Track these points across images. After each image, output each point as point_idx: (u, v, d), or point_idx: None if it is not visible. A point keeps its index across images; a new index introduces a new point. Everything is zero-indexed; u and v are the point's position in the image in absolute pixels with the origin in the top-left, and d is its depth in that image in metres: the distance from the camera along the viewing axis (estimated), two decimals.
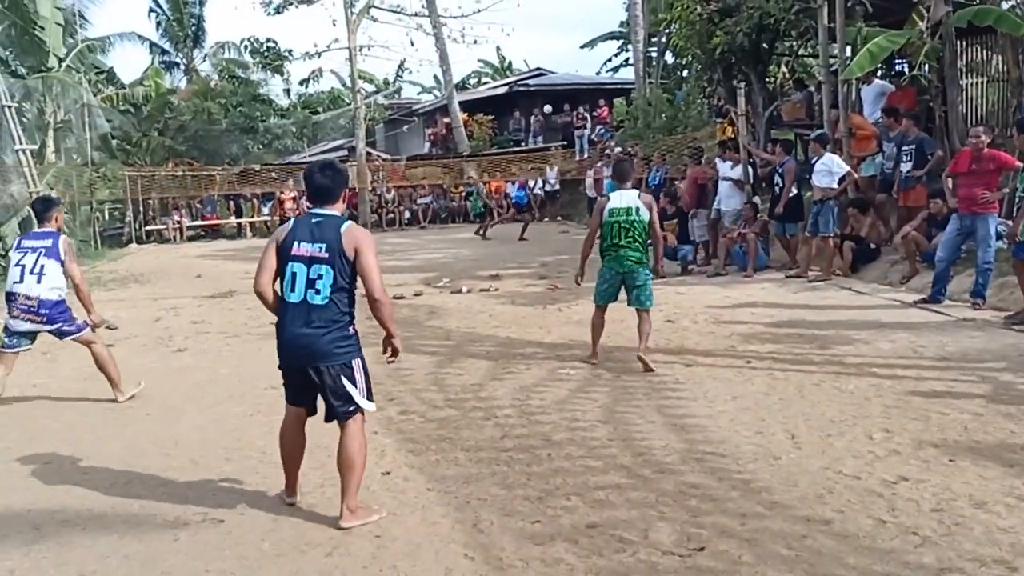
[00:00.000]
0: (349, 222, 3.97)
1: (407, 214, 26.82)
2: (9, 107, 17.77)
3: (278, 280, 4.01)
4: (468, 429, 5.41)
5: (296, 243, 3.89)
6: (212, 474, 4.76)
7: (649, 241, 6.91)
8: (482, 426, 5.45)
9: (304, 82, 35.78)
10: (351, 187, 27.41)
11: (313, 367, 3.89)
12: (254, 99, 33.66)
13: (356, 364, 3.95)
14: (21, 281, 6.16)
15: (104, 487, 4.66)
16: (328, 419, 4.06)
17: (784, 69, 17.85)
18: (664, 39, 22.89)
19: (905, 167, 10.50)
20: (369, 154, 29.39)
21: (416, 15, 28.57)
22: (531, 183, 25.36)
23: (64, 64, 23.93)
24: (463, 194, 27.65)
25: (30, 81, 21.94)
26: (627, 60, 32.97)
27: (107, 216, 28.56)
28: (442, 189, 27.65)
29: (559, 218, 23.35)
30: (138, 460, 5.06)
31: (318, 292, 3.84)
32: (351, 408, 3.96)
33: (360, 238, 3.90)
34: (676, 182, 14.22)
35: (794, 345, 7.26)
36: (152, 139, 31.25)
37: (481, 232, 20.50)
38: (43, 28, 22.24)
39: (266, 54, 31.97)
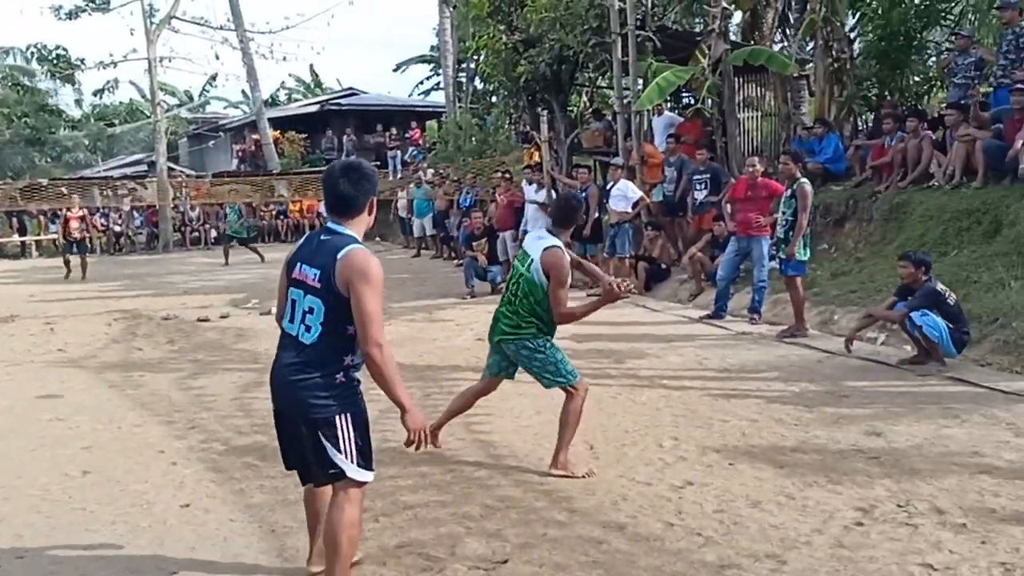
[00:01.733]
0: (352, 246, 3.13)
1: (213, 233, 25.73)
2: None
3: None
4: (274, 456, 5.25)
5: (298, 265, 3.23)
6: None
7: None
8: None
9: (98, 92, 33.55)
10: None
11: (290, 414, 3.25)
12: (41, 109, 31.13)
13: (340, 420, 3.17)
14: None
15: None
16: (303, 480, 3.45)
17: (584, 99, 18.81)
18: (473, 65, 23.47)
19: (700, 194, 11.39)
20: (171, 170, 28.02)
21: (222, 28, 27.64)
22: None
23: None
24: (273, 213, 26.99)
25: None
26: (438, 84, 33.45)
27: None
28: (251, 207, 26.75)
29: (377, 239, 23.28)
30: None
31: (308, 329, 3.16)
32: (332, 472, 3.21)
33: (356, 273, 3.06)
34: (487, 203, 14.61)
35: (593, 360, 7.64)
36: None
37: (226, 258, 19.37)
38: None
39: (55, 62, 29.67)
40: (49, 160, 31.49)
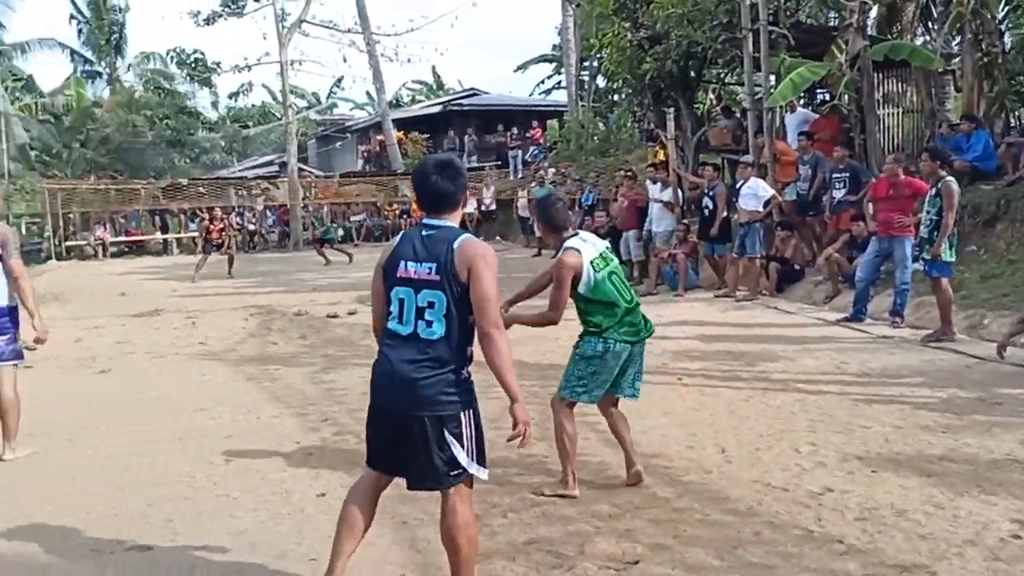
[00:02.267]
0: (465, 235, 3.17)
1: (340, 232, 26.57)
2: None
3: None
4: None
5: (402, 263, 3.16)
6: (139, 500, 4.60)
7: None
8: None
9: (233, 95, 35.30)
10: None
11: (411, 415, 3.11)
12: (181, 111, 32.95)
13: (465, 417, 3.14)
14: None
15: (24, 516, 4.48)
16: (413, 486, 3.31)
17: (711, 96, 18.38)
18: (596, 63, 23.31)
19: (838, 193, 10.91)
20: (301, 170, 29.10)
21: (349, 31, 28.49)
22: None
23: None
24: (397, 212, 27.66)
25: None
26: (560, 83, 33.50)
27: (24, 231, 27.53)
28: (375, 207, 27.53)
29: (497, 238, 23.60)
30: (60, 487, 4.89)
31: (429, 324, 3.10)
32: (454, 473, 3.14)
33: (476, 256, 3.09)
34: (610, 202, 14.48)
35: (723, 362, 7.46)
36: (74, 151, 30.29)
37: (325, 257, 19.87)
38: None
39: (194, 65, 31.35)
40: (188, 161, 33.32)
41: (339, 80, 39.17)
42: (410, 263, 3.14)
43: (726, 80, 17.87)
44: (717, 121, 16.51)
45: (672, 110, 13.90)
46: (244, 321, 11.09)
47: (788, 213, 11.98)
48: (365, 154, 32.56)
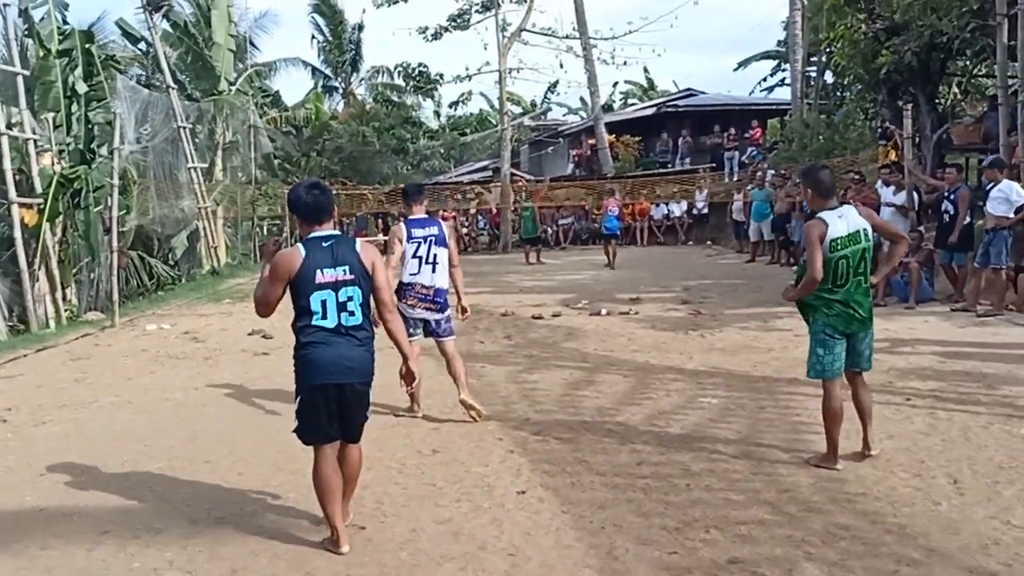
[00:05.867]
0: (358, 240, 4.13)
1: (549, 231, 26.97)
2: (184, 128, 19.21)
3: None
4: (603, 453, 5.33)
5: (318, 271, 3.86)
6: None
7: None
8: (618, 451, 5.36)
9: (454, 104, 36.85)
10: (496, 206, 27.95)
11: (358, 383, 3.96)
12: (406, 122, 34.80)
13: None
14: (419, 272, 6.23)
15: (256, 487, 4.89)
16: (350, 439, 4.08)
17: (955, 90, 16.82)
18: (824, 58, 22.02)
19: None
20: (513, 175, 29.79)
21: (567, 37, 28.74)
22: (672, 206, 25.29)
23: (234, 88, 25.40)
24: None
25: (203, 104, 23.38)
26: (783, 80, 32.02)
27: (266, 231, 30.15)
28: (584, 210, 27.66)
29: (708, 242, 22.99)
30: (288, 464, 5.24)
31: (352, 313, 3.91)
32: (366, 419, 4.14)
33: (375, 255, 4.02)
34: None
35: (959, 383, 6.75)
36: (311, 159, 32.89)
37: (537, 259, 20.90)
38: (216, 54, 23.70)
39: (418, 79, 32.94)
40: (410, 168, 35.08)
41: (554, 85, 39.77)
42: (328, 269, 3.88)
43: (974, 72, 16.25)
44: (961, 117, 15.07)
45: (910, 106, 12.82)
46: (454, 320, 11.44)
47: None
48: (576, 158, 32.78)
